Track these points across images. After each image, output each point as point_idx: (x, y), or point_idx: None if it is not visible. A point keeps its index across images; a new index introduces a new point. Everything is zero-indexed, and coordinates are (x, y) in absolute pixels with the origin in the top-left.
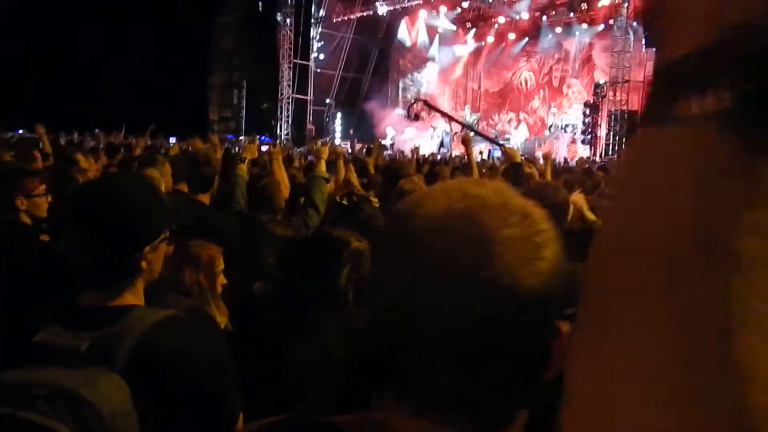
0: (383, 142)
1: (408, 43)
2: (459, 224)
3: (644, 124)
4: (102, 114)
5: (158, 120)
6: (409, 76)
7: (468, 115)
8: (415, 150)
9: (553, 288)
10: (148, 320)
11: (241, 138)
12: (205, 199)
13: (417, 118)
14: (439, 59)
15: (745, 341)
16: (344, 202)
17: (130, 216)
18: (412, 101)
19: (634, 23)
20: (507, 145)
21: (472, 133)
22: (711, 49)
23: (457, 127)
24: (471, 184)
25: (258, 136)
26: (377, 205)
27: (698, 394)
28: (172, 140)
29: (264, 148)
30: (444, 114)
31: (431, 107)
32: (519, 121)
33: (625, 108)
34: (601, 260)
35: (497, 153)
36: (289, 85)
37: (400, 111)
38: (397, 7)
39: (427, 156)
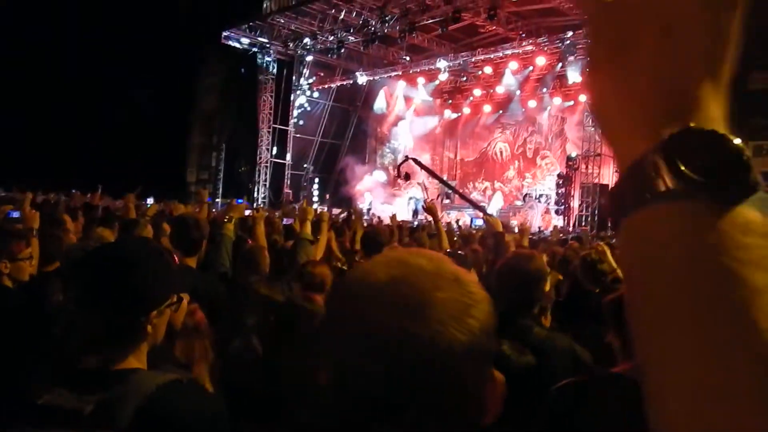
0: (360, 206)
1: (386, 112)
2: (398, 290)
3: (633, 205)
4: (78, 173)
5: (136, 180)
6: (387, 143)
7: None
8: (393, 217)
9: (484, 342)
10: (152, 384)
11: (217, 200)
12: (191, 262)
13: (408, 177)
14: (416, 128)
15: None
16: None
17: (142, 281)
18: (402, 159)
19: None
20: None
21: (448, 200)
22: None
23: (434, 194)
24: (410, 254)
25: (235, 199)
26: None
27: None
28: (150, 200)
29: (247, 212)
30: (433, 173)
31: (421, 165)
32: (494, 190)
33: (596, 181)
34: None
35: (479, 222)
36: (267, 149)
37: (378, 177)
38: (377, 77)
39: (402, 223)
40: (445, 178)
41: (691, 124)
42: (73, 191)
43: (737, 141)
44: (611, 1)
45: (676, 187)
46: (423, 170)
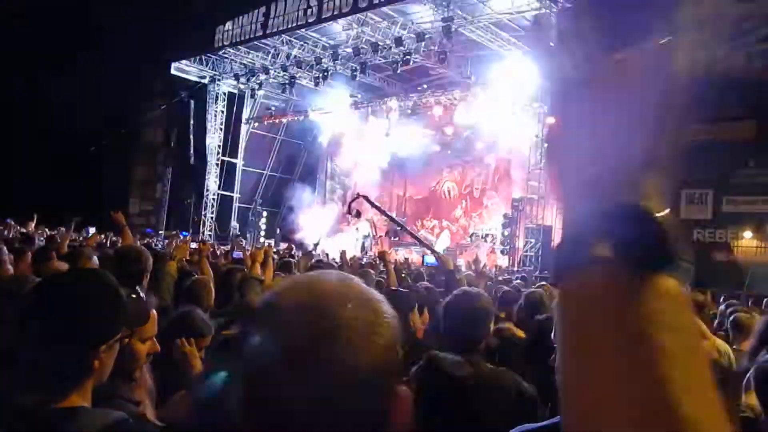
0: (309, 241)
1: (336, 148)
2: (306, 313)
3: (572, 265)
4: (16, 202)
5: (75, 210)
6: (336, 179)
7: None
8: (343, 253)
9: (390, 358)
10: (96, 423)
11: (161, 232)
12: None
13: (358, 214)
14: (366, 165)
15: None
16: None
17: (88, 314)
18: (353, 197)
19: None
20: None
21: (396, 237)
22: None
23: (383, 230)
24: (318, 277)
25: (180, 232)
26: None
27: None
28: (92, 230)
29: (194, 245)
30: (383, 211)
31: (372, 204)
32: (442, 229)
33: (540, 223)
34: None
35: (430, 259)
36: (215, 182)
37: (327, 211)
38: (328, 113)
39: (352, 259)
40: (394, 215)
41: (626, 200)
42: (8, 220)
43: (662, 215)
44: None
45: (607, 255)
46: (373, 208)
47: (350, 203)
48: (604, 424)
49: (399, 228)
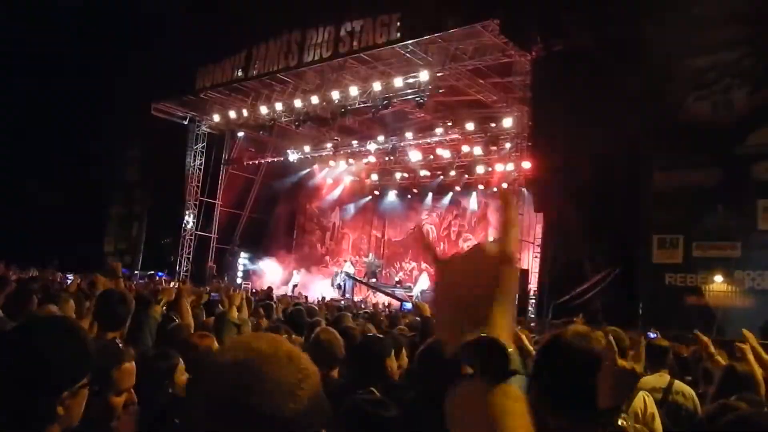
0: (289, 284)
1: (315, 189)
2: (240, 371)
3: (450, 380)
4: None
5: (49, 250)
6: (315, 220)
7: (373, 261)
8: (323, 299)
9: (314, 409)
10: None
11: (136, 272)
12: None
13: (340, 288)
14: (345, 207)
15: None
16: None
17: (51, 361)
18: (336, 272)
19: (524, 189)
20: (416, 300)
21: (374, 279)
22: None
23: (360, 273)
24: (252, 339)
25: (156, 273)
26: None
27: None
28: (70, 277)
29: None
30: (370, 287)
31: (357, 280)
32: (420, 271)
33: (517, 265)
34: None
35: (408, 305)
36: (193, 222)
37: (305, 253)
38: (308, 155)
39: (330, 302)
40: (371, 256)
41: (482, 334)
42: None
43: (504, 344)
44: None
45: (468, 372)
46: (360, 284)
47: (334, 277)
48: None
49: (379, 292)
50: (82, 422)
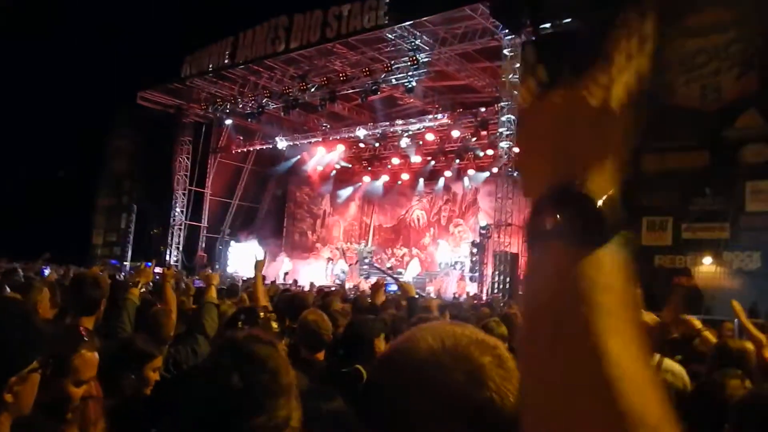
0: (280, 271)
1: (305, 177)
2: (454, 357)
3: (530, 238)
4: None
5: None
6: (305, 207)
7: (364, 248)
8: (312, 285)
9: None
10: None
11: (125, 263)
12: (89, 323)
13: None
14: (336, 193)
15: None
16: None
17: None
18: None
19: (515, 173)
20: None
21: (366, 265)
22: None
23: (352, 258)
24: (453, 325)
25: (145, 263)
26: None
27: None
28: (47, 271)
29: (158, 269)
30: (389, 275)
31: (378, 269)
32: (411, 257)
33: (507, 250)
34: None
35: (393, 287)
36: (182, 211)
37: (296, 240)
38: (297, 142)
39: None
40: (362, 243)
41: (569, 187)
42: None
43: (600, 202)
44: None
45: (554, 230)
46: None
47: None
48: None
49: (384, 275)
50: (35, 411)
